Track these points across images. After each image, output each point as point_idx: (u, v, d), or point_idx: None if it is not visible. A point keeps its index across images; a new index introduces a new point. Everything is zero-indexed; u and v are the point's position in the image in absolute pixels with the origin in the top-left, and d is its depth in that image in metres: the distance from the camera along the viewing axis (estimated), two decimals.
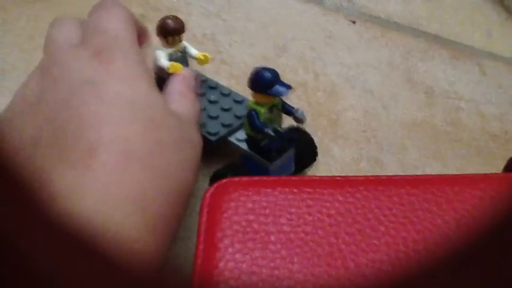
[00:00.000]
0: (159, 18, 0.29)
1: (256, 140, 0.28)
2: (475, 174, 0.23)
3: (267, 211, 0.22)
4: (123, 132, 0.21)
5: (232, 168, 0.29)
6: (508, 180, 0.22)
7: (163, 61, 0.28)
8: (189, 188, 0.23)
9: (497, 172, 0.28)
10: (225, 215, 0.22)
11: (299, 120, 0.27)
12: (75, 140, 0.20)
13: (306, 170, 0.31)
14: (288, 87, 0.26)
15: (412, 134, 0.35)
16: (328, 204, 0.22)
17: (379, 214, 0.21)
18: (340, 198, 0.22)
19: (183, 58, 0.29)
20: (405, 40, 0.39)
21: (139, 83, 0.23)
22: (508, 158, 0.29)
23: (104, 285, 0.16)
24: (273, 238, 0.21)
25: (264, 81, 0.26)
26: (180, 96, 0.26)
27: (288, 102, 0.28)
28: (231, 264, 0.20)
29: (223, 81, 0.32)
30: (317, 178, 0.25)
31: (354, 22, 0.40)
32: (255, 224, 0.21)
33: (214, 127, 0.29)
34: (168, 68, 0.28)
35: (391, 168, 0.33)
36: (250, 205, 0.22)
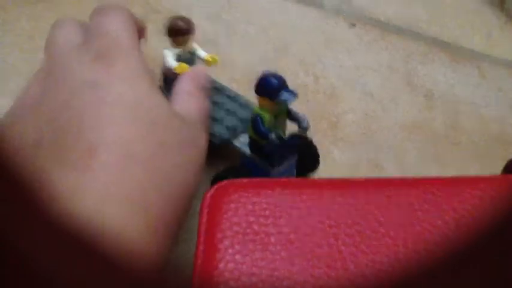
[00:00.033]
0: (166, 19, 0.29)
1: (260, 145, 0.28)
2: (474, 176, 0.23)
3: (267, 212, 0.22)
4: (124, 133, 0.21)
5: (233, 171, 0.29)
6: (508, 182, 0.22)
7: (171, 61, 0.28)
8: (191, 190, 0.23)
9: (496, 174, 0.28)
10: (225, 216, 0.22)
11: (303, 128, 0.27)
12: (76, 140, 0.20)
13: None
14: (294, 94, 0.26)
15: (412, 136, 0.35)
16: (327, 206, 0.22)
17: (378, 216, 0.21)
18: (340, 199, 0.22)
19: (191, 59, 0.29)
20: (405, 43, 0.39)
21: (140, 84, 0.23)
22: (507, 160, 0.30)
23: (104, 285, 0.16)
24: (273, 239, 0.21)
25: (271, 87, 0.26)
26: (188, 96, 0.26)
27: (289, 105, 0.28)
28: (231, 265, 0.20)
29: (223, 83, 0.32)
30: (317, 180, 0.25)
31: (353, 25, 0.40)
32: (255, 225, 0.21)
33: (218, 130, 0.29)
34: (175, 69, 0.28)
35: (391, 171, 0.33)
36: (250, 206, 0.22)
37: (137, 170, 0.20)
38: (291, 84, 0.26)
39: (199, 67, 0.29)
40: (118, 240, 0.18)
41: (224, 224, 0.21)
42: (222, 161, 0.30)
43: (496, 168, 0.30)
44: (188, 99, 0.26)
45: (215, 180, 0.29)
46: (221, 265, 0.20)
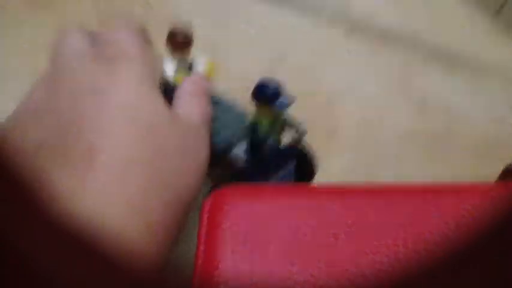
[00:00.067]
0: (167, 26, 0.29)
1: (257, 153, 0.27)
2: (471, 182, 0.23)
3: (266, 216, 0.22)
4: (124, 137, 0.21)
5: (232, 179, 0.29)
6: (505, 188, 0.22)
7: (170, 71, 0.28)
8: (192, 194, 0.23)
9: (491, 180, 0.28)
10: (225, 220, 0.22)
11: (300, 134, 0.27)
12: (76, 141, 0.20)
13: None
14: (291, 100, 0.26)
15: (408, 145, 0.35)
16: (326, 211, 0.22)
17: (377, 218, 0.21)
18: (338, 205, 0.22)
19: (191, 67, 0.29)
20: (401, 52, 0.40)
21: (142, 90, 0.23)
22: (502, 168, 0.30)
23: (104, 285, 0.16)
24: (272, 241, 0.21)
25: (268, 94, 0.26)
26: (190, 101, 0.26)
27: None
28: (231, 266, 0.20)
29: (219, 92, 0.32)
30: (315, 186, 0.25)
31: (351, 34, 0.40)
32: (254, 228, 0.21)
33: (215, 140, 0.29)
34: (173, 79, 0.28)
35: (387, 178, 0.34)
36: (249, 210, 0.22)
37: (137, 172, 0.20)
38: (287, 92, 0.26)
39: (200, 74, 0.29)
40: (118, 240, 0.18)
41: (224, 227, 0.21)
42: (220, 170, 0.30)
43: (490, 175, 0.31)
44: (190, 103, 0.26)
45: (214, 189, 0.29)
46: (221, 265, 0.20)
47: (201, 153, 0.24)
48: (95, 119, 0.21)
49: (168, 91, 0.27)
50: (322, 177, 0.31)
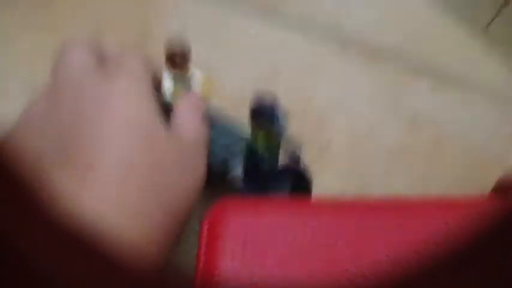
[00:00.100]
0: (163, 42, 0.29)
1: (254, 173, 0.28)
2: (462, 196, 0.24)
3: (265, 227, 0.23)
4: (124, 148, 0.21)
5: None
6: (499, 201, 0.22)
7: (167, 87, 0.28)
8: (187, 209, 0.24)
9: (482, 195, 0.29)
10: (224, 231, 0.22)
11: (297, 153, 0.27)
12: (76, 151, 0.20)
13: None
14: (286, 120, 0.26)
15: (398, 159, 0.36)
16: (322, 222, 0.23)
17: (374, 229, 0.22)
18: (333, 216, 0.23)
19: (188, 83, 0.30)
20: (392, 69, 0.40)
21: (142, 104, 0.23)
22: (490, 184, 0.30)
23: (104, 285, 0.16)
24: (270, 250, 0.22)
25: (266, 116, 0.26)
26: (188, 118, 0.26)
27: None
28: (231, 267, 0.20)
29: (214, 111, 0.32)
30: (312, 200, 0.26)
31: (342, 51, 0.40)
32: (252, 238, 0.22)
33: (212, 161, 0.29)
34: (171, 95, 0.28)
35: (378, 192, 0.34)
36: (248, 222, 0.23)
37: (137, 173, 0.20)
38: (282, 109, 0.27)
39: (198, 90, 0.29)
40: (118, 240, 0.18)
41: (224, 237, 0.22)
42: (218, 189, 0.30)
43: (480, 190, 0.31)
44: (188, 120, 0.26)
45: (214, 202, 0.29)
46: (222, 265, 0.20)
47: (198, 169, 0.25)
48: (95, 130, 0.21)
49: (165, 107, 0.27)
50: (314, 191, 0.32)
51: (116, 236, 0.18)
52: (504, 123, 0.38)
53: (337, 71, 0.40)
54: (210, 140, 0.30)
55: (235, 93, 0.36)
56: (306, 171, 0.30)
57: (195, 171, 0.25)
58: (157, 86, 0.27)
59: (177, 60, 0.28)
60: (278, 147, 0.28)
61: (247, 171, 0.28)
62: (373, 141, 0.37)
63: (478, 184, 0.33)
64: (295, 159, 0.29)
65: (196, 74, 0.30)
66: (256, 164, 0.27)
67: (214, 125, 0.31)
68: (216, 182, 0.29)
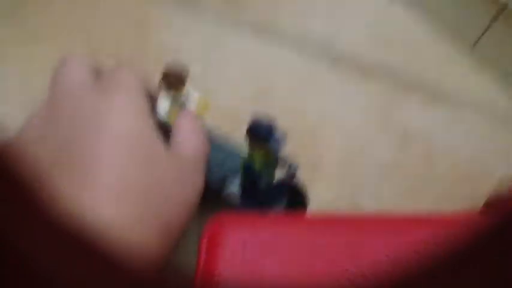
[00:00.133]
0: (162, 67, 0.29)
1: (251, 190, 0.28)
2: (454, 212, 0.24)
3: (262, 238, 0.23)
4: (122, 165, 0.21)
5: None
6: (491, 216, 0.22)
7: (163, 107, 0.28)
8: (182, 223, 0.24)
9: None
10: (223, 243, 0.23)
11: (293, 170, 0.28)
12: (74, 163, 0.20)
13: None
14: (283, 137, 0.26)
15: (389, 176, 0.36)
16: (317, 234, 0.23)
17: (372, 238, 0.22)
18: (326, 229, 0.23)
19: (183, 104, 0.30)
20: (383, 86, 0.41)
21: (141, 123, 0.23)
22: (480, 198, 0.30)
23: (104, 285, 0.16)
24: (267, 260, 0.22)
25: (262, 133, 0.26)
26: (187, 136, 0.26)
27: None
28: (231, 268, 0.20)
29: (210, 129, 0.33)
30: (307, 214, 0.26)
31: (333, 67, 0.41)
32: (251, 246, 0.22)
33: (208, 179, 0.29)
34: (167, 115, 0.28)
35: (369, 209, 0.35)
36: (245, 235, 0.23)
37: (136, 174, 0.20)
38: (279, 128, 0.27)
39: (194, 110, 0.29)
40: (118, 241, 0.18)
41: (222, 249, 0.22)
42: (213, 205, 0.30)
43: (471, 206, 0.32)
44: (187, 138, 0.26)
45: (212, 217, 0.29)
46: (222, 266, 0.20)
47: (196, 186, 0.25)
48: (94, 148, 0.21)
49: (161, 127, 0.27)
50: (308, 206, 0.32)
51: (116, 236, 0.18)
52: (493, 138, 0.39)
53: (328, 88, 0.41)
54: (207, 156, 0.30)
55: (230, 111, 0.37)
56: (301, 186, 0.30)
57: (193, 187, 0.25)
58: (152, 104, 0.27)
59: (174, 80, 0.28)
60: (275, 164, 0.28)
61: (244, 188, 0.28)
62: (365, 156, 0.37)
63: (468, 199, 0.34)
64: (291, 175, 0.29)
65: (192, 93, 0.30)
66: (254, 181, 0.27)
67: (211, 141, 0.31)
68: (212, 197, 0.29)
